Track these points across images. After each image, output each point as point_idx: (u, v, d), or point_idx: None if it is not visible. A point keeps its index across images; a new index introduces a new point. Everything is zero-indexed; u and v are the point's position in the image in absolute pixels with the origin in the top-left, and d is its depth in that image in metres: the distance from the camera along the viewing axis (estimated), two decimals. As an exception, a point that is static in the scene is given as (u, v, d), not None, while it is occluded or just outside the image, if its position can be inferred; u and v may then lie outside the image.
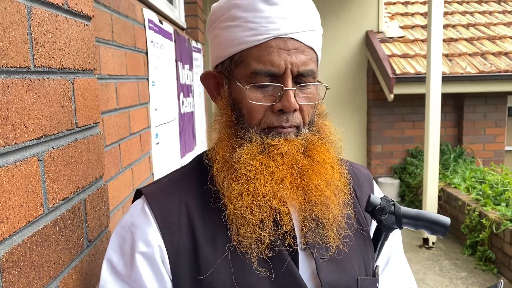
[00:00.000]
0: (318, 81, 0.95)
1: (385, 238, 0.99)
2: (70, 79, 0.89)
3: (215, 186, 0.90)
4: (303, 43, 0.89)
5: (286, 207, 0.87)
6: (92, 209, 0.98)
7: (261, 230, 0.84)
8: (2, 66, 0.64)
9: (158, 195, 0.90)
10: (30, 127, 0.72)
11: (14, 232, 0.66)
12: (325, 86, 0.95)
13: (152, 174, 2.15)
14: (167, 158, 2.44)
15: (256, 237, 0.84)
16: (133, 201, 0.95)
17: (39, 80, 0.75)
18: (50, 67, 0.79)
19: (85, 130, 0.96)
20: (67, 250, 0.84)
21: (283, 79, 0.87)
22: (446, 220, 0.95)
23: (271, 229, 0.85)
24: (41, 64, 0.76)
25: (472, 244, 4.72)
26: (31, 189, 0.71)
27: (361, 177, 1.08)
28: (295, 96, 0.88)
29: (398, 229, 0.99)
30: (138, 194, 0.95)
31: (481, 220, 4.50)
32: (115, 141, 1.58)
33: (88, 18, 0.99)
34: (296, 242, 0.88)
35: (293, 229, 0.88)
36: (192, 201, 0.89)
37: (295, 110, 0.89)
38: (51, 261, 0.77)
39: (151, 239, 0.85)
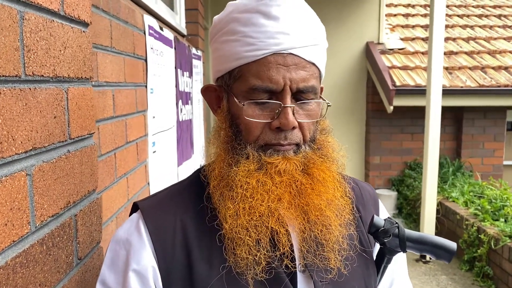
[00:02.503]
0: (321, 97, 0.91)
1: (388, 261, 0.95)
2: (64, 88, 0.84)
3: (211, 204, 0.86)
4: (304, 59, 0.85)
5: (283, 227, 0.83)
6: (84, 224, 0.93)
7: (257, 251, 0.81)
8: (-11, 75, 0.59)
9: (154, 211, 0.87)
10: (19, 139, 0.67)
11: (-3, 253, 0.61)
12: (326, 102, 0.91)
13: (148, 184, 2.10)
14: (164, 167, 2.40)
15: (252, 258, 0.81)
16: (130, 214, 0.92)
17: (30, 89, 0.71)
18: (42, 75, 0.75)
19: (78, 142, 0.91)
20: (54, 270, 0.79)
21: (282, 96, 0.84)
22: (452, 245, 0.91)
23: (267, 250, 0.81)
24: (33, 72, 0.71)
25: (469, 259, 4.67)
26: (17, 206, 0.67)
27: (365, 195, 1.04)
28: (294, 114, 0.84)
29: (401, 252, 0.95)
30: (135, 207, 0.91)
31: (479, 236, 4.45)
32: (111, 150, 1.54)
33: (85, 24, 0.94)
34: (295, 263, 0.84)
35: (292, 250, 0.84)
36: (188, 219, 0.86)
37: (294, 128, 0.86)
38: (37, 282, 0.72)
39: (145, 260, 0.81)
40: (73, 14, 0.87)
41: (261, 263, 0.80)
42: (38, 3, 0.73)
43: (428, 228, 5.03)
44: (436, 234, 5.21)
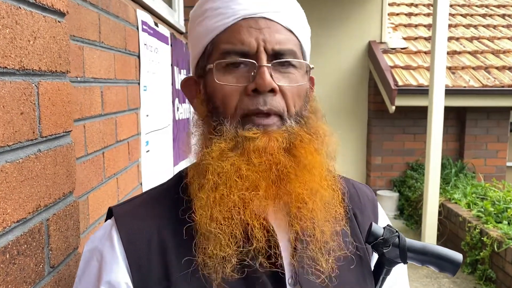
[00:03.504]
0: (307, 74, 0.82)
1: (387, 273, 0.87)
2: (34, 82, 0.77)
3: (190, 203, 0.76)
4: (279, 23, 0.78)
5: (258, 221, 0.73)
6: (58, 229, 0.86)
7: (228, 248, 0.71)
8: None
9: (129, 218, 0.79)
10: (-26, 137, 0.60)
11: None
12: (309, 65, 0.83)
13: (141, 184, 2.04)
14: (158, 166, 2.33)
15: (222, 255, 0.71)
16: (106, 219, 0.84)
17: (-11, 82, 0.64)
18: (6, 67, 0.68)
19: (51, 140, 0.84)
20: (20, 280, 0.72)
21: (257, 57, 0.75)
22: (458, 256, 0.83)
23: (241, 246, 0.72)
24: (-7, 63, 0.65)
25: (472, 262, 4.59)
26: (-27, 212, 0.60)
27: (363, 199, 0.95)
28: (271, 75, 0.75)
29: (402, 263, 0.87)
30: (110, 212, 0.84)
31: (482, 238, 4.37)
32: (99, 149, 1.47)
33: (61, 14, 0.88)
34: (279, 263, 0.75)
35: (279, 255, 0.75)
36: (166, 227, 0.77)
37: (274, 92, 0.76)
38: (-3, 295, 0.66)
39: (117, 275, 0.74)
40: (45, 1, 0.80)
41: (232, 261, 0.71)
42: (1, -13, 0.66)
43: (429, 230, 4.96)
44: (438, 236, 5.14)
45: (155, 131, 2.27)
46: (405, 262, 0.84)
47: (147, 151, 2.13)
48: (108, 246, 0.76)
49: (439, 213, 5.25)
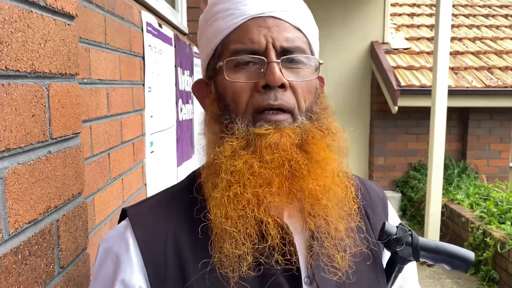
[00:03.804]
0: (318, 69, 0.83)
1: (399, 271, 0.87)
2: (45, 85, 0.78)
3: (205, 203, 0.77)
4: (287, 22, 0.79)
5: (271, 218, 0.73)
6: (67, 230, 0.87)
7: (243, 246, 0.72)
8: (-49, 69, 0.54)
9: (144, 220, 0.79)
10: (-12, 140, 0.61)
11: (-40, 265, 0.55)
12: (318, 60, 0.84)
13: (145, 185, 2.05)
14: (162, 167, 2.34)
15: (238, 255, 0.72)
16: (119, 221, 0.85)
17: (2, 85, 0.65)
18: (18, 70, 0.69)
19: (61, 142, 0.85)
20: (31, 280, 0.73)
21: (266, 54, 0.77)
22: (470, 255, 0.84)
23: (254, 244, 0.72)
24: (6, 66, 0.65)
25: (475, 263, 4.59)
26: (-14, 213, 0.61)
27: (374, 197, 0.95)
28: (281, 71, 0.76)
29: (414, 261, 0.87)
30: (123, 214, 0.84)
31: (485, 239, 4.37)
32: (104, 150, 1.48)
33: (70, 17, 0.88)
34: (295, 260, 0.75)
35: (292, 247, 0.75)
36: (181, 228, 0.78)
37: (284, 87, 0.76)
38: (10, 295, 0.66)
39: (132, 277, 0.74)
40: (55, 5, 0.81)
41: (248, 259, 0.71)
42: (13, -9, 0.67)
43: (432, 230, 4.95)
44: (441, 236, 5.13)
45: (159, 132, 2.28)
46: (417, 260, 0.85)
47: (152, 151, 2.14)
48: (124, 248, 0.76)
49: (442, 213, 5.24)
